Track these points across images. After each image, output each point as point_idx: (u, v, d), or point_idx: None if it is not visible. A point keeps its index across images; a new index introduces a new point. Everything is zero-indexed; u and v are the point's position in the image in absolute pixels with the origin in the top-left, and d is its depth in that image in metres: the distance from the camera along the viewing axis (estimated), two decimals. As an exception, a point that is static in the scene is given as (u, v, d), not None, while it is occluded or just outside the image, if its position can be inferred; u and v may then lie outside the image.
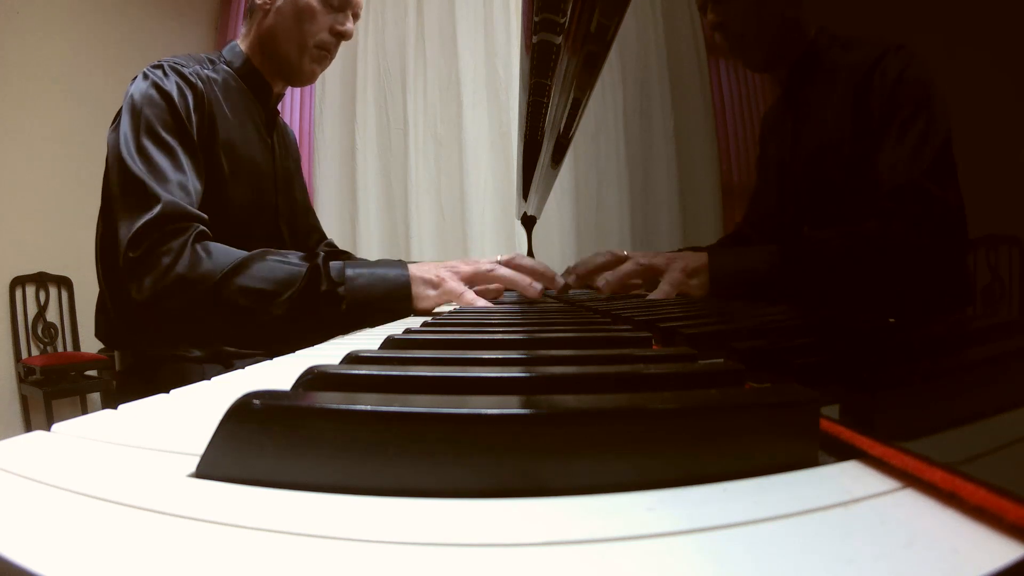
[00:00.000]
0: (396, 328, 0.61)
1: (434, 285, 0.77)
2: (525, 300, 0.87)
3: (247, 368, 0.36)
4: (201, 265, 0.70)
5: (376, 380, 0.21)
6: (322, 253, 0.75)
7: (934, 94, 0.20)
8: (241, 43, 0.93)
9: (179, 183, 0.74)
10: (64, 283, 2.58)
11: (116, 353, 0.91)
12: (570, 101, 0.86)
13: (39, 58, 2.46)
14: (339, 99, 2.79)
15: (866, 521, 0.12)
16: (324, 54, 0.92)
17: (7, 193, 2.37)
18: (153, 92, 0.77)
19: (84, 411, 2.49)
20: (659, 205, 0.60)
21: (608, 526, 0.12)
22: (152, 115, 0.76)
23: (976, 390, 0.17)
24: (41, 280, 2.51)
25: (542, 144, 1.11)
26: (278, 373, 0.35)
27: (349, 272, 0.74)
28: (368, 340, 0.52)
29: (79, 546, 0.11)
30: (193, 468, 0.16)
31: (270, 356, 0.39)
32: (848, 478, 0.15)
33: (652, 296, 0.61)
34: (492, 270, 0.80)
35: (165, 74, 0.79)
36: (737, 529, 0.12)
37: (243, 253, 0.72)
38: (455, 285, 0.77)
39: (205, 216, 0.75)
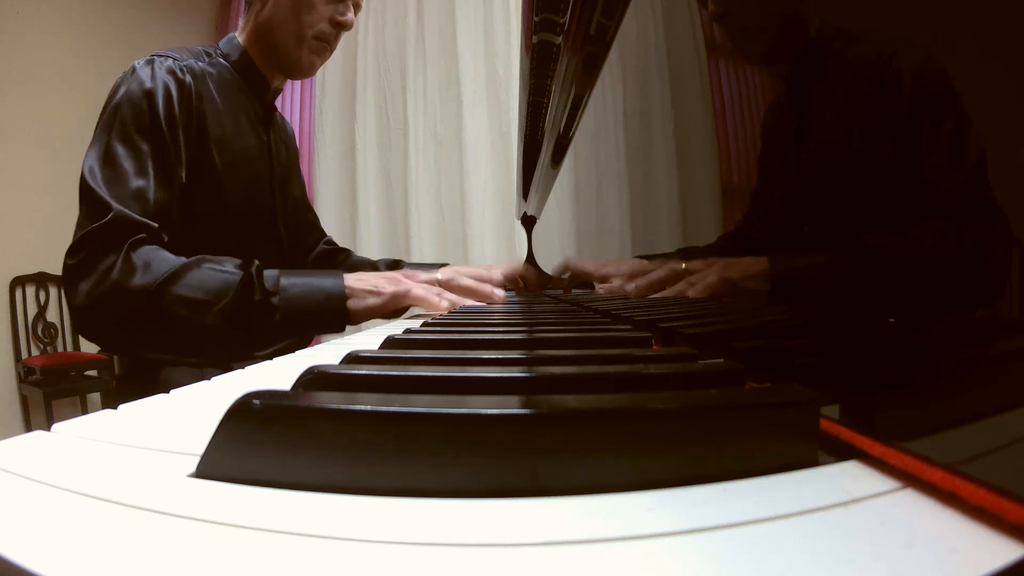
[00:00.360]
0: (396, 328, 0.61)
1: (375, 293, 0.75)
2: (525, 300, 0.87)
3: (247, 368, 0.36)
4: (135, 274, 0.68)
5: (376, 380, 0.21)
6: (257, 262, 0.73)
7: (956, 91, 0.20)
8: (239, 36, 0.91)
9: (136, 191, 0.73)
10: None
11: (115, 356, 0.90)
12: (570, 101, 0.86)
13: (39, 58, 2.46)
14: (339, 99, 2.79)
15: (866, 521, 0.12)
16: (323, 46, 0.90)
17: (7, 193, 2.37)
18: (135, 89, 0.76)
19: (84, 411, 2.49)
20: (659, 205, 0.60)
21: (608, 526, 0.12)
22: (128, 115, 0.74)
23: (976, 390, 0.17)
24: (41, 280, 2.51)
25: (542, 144, 1.11)
26: (278, 373, 0.35)
27: (284, 281, 0.72)
28: (368, 340, 0.52)
29: (79, 546, 0.11)
30: (193, 468, 0.16)
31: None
32: (848, 478, 0.15)
33: (693, 292, 0.60)
34: (408, 292, 0.78)
35: (153, 70, 0.78)
36: (737, 529, 0.12)
37: (180, 261, 0.71)
38: (404, 284, 0.75)
39: (155, 225, 0.73)
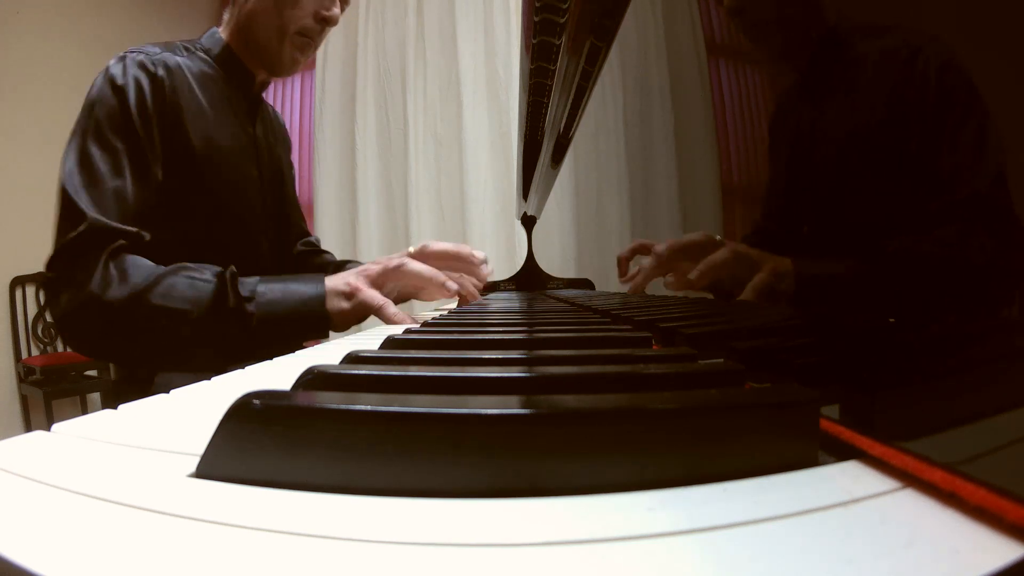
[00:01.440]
0: (396, 328, 0.61)
1: (347, 296, 0.71)
2: (524, 300, 0.87)
3: (247, 368, 0.36)
4: (112, 285, 0.67)
5: (376, 380, 0.21)
6: (232, 268, 0.71)
7: (980, 92, 0.20)
8: (222, 31, 0.89)
9: (115, 191, 0.71)
10: (64, 283, 2.57)
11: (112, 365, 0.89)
12: (570, 101, 0.86)
13: (39, 58, 2.46)
14: (339, 99, 2.79)
15: (866, 521, 0.12)
16: (307, 42, 0.86)
17: (7, 193, 2.37)
18: (107, 89, 0.74)
19: (84, 411, 2.49)
20: (659, 205, 0.60)
21: (608, 526, 0.12)
22: (101, 114, 0.73)
23: (976, 390, 0.17)
24: (41, 280, 2.51)
25: (542, 144, 1.11)
26: (278, 373, 0.35)
27: (261, 287, 0.69)
28: (368, 340, 0.52)
29: (79, 546, 0.11)
30: (193, 468, 0.16)
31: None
32: (848, 478, 0.15)
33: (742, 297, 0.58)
34: (401, 265, 0.74)
35: (124, 66, 0.76)
36: (737, 529, 0.12)
37: (158, 270, 0.69)
38: (370, 294, 0.71)
39: (132, 229, 0.72)
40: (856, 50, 0.26)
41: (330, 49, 2.78)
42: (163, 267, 0.69)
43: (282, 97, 2.90)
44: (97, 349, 0.75)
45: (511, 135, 2.55)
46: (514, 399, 0.17)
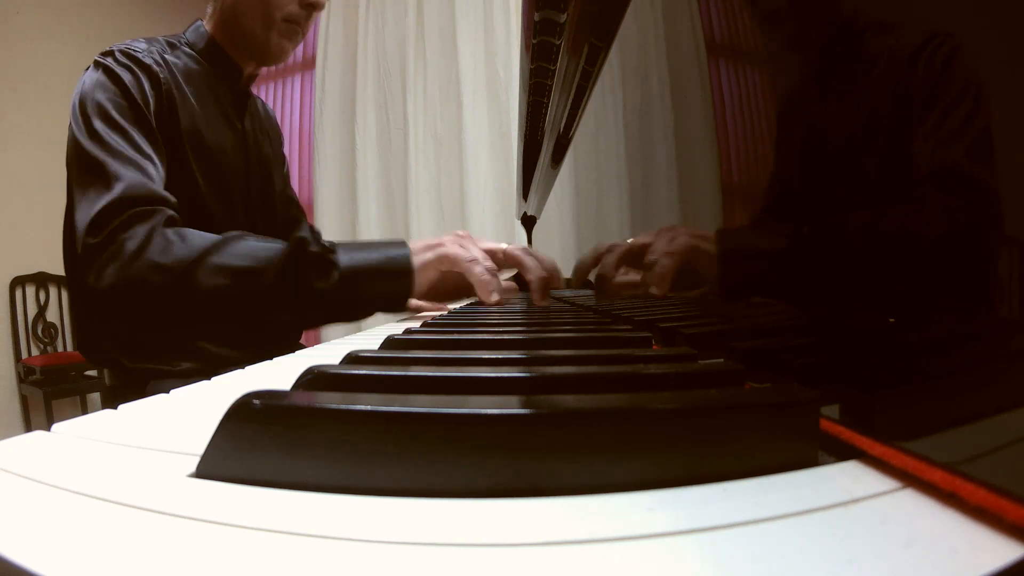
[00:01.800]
0: (396, 328, 0.61)
1: (430, 247, 0.68)
2: (524, 300, 0.86)
3: (247, 368, 0.36)
4: (173, 249, 0.62)
5: (376, 380, 0.21)
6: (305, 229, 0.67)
7: (980, 83, 0.20)
8: (206, 23, 0.87)
9: (136, 163, 0.68)
10: (64, 283, 2.58)
11: (106, 368, 0.85)
12: (570, 101, 0.86)
13: (39, 58, 2.46)
14: (339, 99, 2.79)
15: (866, 521, 0.12)
16: (294, 28, 0.84)
17: (7, 193, 2.37)
18: (104, 79, 0.73)
19: (84, 411, 2.49)
20: (659, 205, 0.60)
21: (608, 526, 0.12)
22: (105, 99, 0.71)
23: (976, 390, 0.17)
24: (41, 280, 2.51)
25: (542, 144, 1.11)
26: (278, 373, 0.35)
27: (341, 246, 0.67)
28: (368, 340, 0.52)
29: (79, 546, 0.11)
30: (193, 468, 0.16)
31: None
32: (848, 478, 0.15)
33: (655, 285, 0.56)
34: (507, 251, 0.72)
35: (116, 60, 0.74)
36: (737, 529, 0.12)
37: (217, 236, 0.65)
38: (457, 249, 0.68)
39: (173, 199, 0.69)
40: (869, 46, 0.26)
41: (330, 49, 2.78)
42: (219, 236, 0.65)
43: (282, 97, 2.90)
44: (143, 325, 0.69)
45: (511, 135, 2.55)
46: (514, 399, 0.17)
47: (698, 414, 0.15)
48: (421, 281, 0.67)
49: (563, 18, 0.66)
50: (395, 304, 0.69)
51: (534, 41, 0.74)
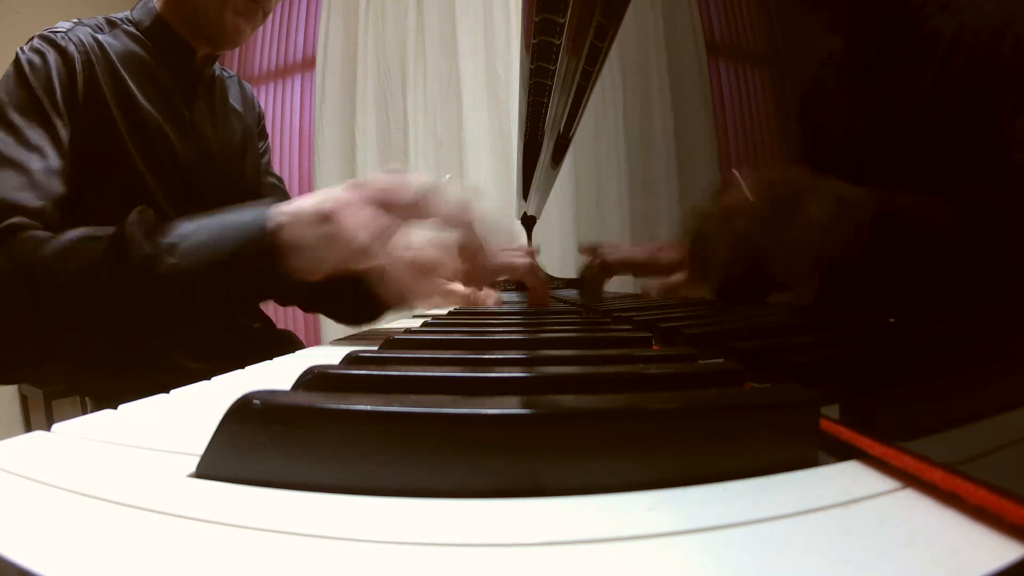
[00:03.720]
0: (396, 328, 0.61)
1: (321, 219, 0.47)
2: (525, 300, 0.86)
3: (247, 368, 0.36)
4: (3, 263, 0.52)
5: (376, 380, 0.21)
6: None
7: None
8: (155, 0, 0.78)
9: (11, 163, 0.61)
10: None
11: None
12: (570, 101, 0.86)
13: (39, 58, 2.46)
14: (339, 99, 2.79)
15: (866, 521, 0.12)
16: (251, 7, 0.75)
17: (7, 193, 2.37)
18: (13, 70, 0.67)
19: (84, 411, 2.48)
20: (659, 205, 0.60)
21: (608, 526, 0.12)
22: (5, 93, 0.66)
23: (976, 390, 0.17)
24: None
25: (542, 144, 1.11)
26: (278, 373, 0.35)
27: (183, 229, 0.49)
28: (368, 340, 0.52)
29: (79, 546, 0.11)
30: (193, 468, 0.16)
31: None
32: (848, 478, 0.15)
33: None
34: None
35: (33, 48, 0.69)
36: (737, 529, 0.12)
37: (48, 236, 0.53)
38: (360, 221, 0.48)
39: (35, 204, 0.60)
40: (929, 26, 0.23)
41: (330, 49, 2.78)
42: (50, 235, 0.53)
43: (282, 97, 2.90)
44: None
45: (511, 135, 2.55)
46: (514, 399, 0.17)
47: (698, 414, 0.15)
48: (298, 260, 0.48)
49: (563, 18, 0.66)
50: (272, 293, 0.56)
51: (534, 41, 0.74)
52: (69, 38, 0.71)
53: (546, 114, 0.96)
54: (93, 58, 0.71)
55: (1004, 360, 0.19)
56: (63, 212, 0.64)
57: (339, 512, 0.13)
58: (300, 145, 2.88)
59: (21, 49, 0.70)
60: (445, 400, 0.16)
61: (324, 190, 0.50)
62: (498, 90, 2.61)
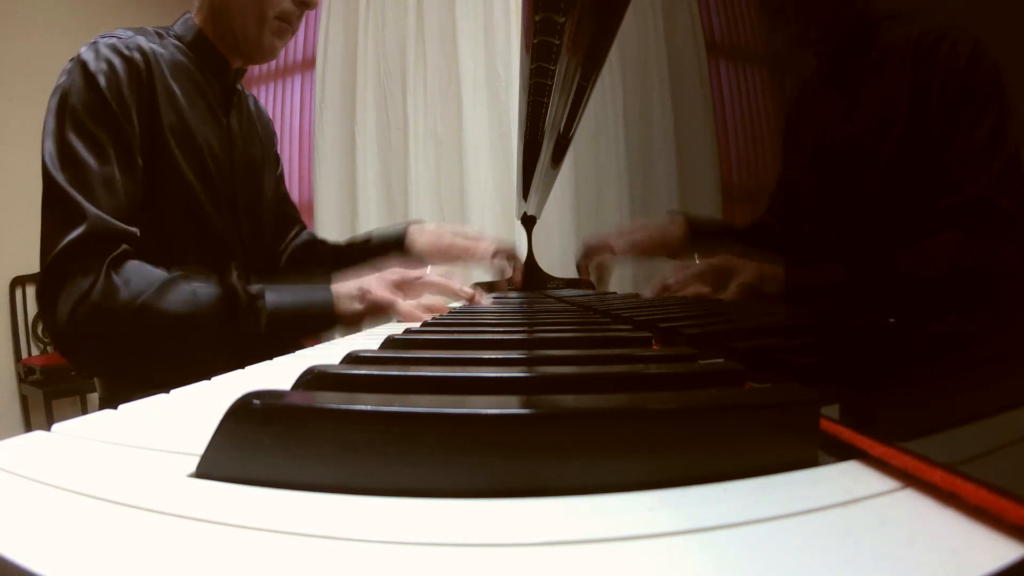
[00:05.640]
0: (396, 328, 0.61)
1: (359, 298, 0.75)
2: (524, 300, 0.87)
3: (247, 368, 0.36)
4: (117, 294, 0.65)
5: (376, 380, 0.21)
6: (235, 273, 0.71)
7: (1006, 85, 0.19)
8: (195, 16, 0.84)
9: (105, 181, 0.69)
10: (64, 283, 2.57)
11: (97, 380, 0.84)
12: (570, 101, 0.86)
13: (38, 58, 2.46)
14: (339, 99, 2.79)
15: (866, 521, 0.12)
16: (285, 27, 0.83)
17: (7, 193, 2.37)
18: (79, 77, 0.70)
19: (84, 411, 2.48)
20: (659, 205, 0.60)
21: (608, 526, 0.12)
22: (78, 103, 0.69)
23: (976, 390, 0.17)
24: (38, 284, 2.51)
25: (542, 144, 1.10)
26: (278, 373, 0.35)
27: (270, 295, 0.72)
28: (368, 340, 0.52)
29: (79, 546, 0.11)
30: (193, 468, 0.16)
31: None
32: (848, 478, 0.15)
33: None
34: (420, 278, 0.79)
35: (97, 52, 0.72)
36: (737, 529, 0.12)
37: (162, 277, 0.68)
38: (382, 293, 0.75)
39: (133, 230, 0.70)
40: (884, 37, 0.25)
41: (330, 49, 2.78)
42: (164, 274, 0.69)
43: (282, 97, 2.90)
44: (97, 365, 0.73)
45: (511, 135, 2.55)
46: (514, 399, 0.17)
47: (698, 414, 0.15)
48: (346, 322, 0.76)
49: (563, 18, 0.66)
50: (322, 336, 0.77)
51: (534, 41, 0.73)
52: (132, 47, 0.75)
53: (546, 114, 0.96)
54: (151, 67, 0.76)
55: (1004, 360, 0.19)
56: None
57: (339, 512, 0.13)
58: (300, 145, 2.88)
59: (86, 57, 0.72)
60: (445, 400, 0.16)
61: (357, 280, 0.78)
62: (498, 90, 2.61)
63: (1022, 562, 0.10)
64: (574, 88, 0.80)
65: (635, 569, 0.11)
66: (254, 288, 0.71)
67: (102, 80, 0.71)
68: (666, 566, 0.11)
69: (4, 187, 2.36)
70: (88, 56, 0.72)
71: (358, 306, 0.74)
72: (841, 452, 0.16)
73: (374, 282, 0.76)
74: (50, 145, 0.69)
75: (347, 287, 0.75)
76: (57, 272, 0.66)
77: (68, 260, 0.65)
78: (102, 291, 0.65)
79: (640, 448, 0.15)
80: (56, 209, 0.67)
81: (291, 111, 2.87)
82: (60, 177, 0.67)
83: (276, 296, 0.72)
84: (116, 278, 0.66)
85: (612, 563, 0.11)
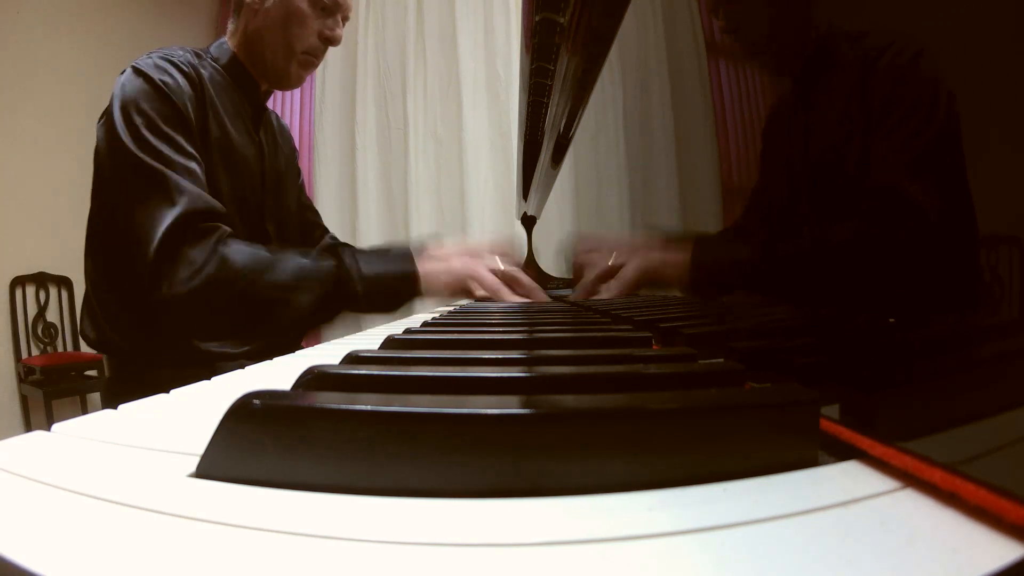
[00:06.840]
0: (396, 328, 0.61)
1: (445, 271, 0.83)
2: (524, 300, 0.87)
3: (247, 368, 0.36)
4: (229, 266, 0.72)
5: (376, 380, 0.21)
6: (329, 242, 0.78)
7: (937, 89, 0.20)
8: (229, 40, 0.91)
9: (191, 172, 0.75)
10: (64, 283, 2.58)
11: (105, 359, 0.90)
12: (570, 101, 0.86)
13: (40, 57, 2.46)
14: (339, 99, 2.79)
15: (866, 521, 0.12)
16: (311, 60, 0.91)
17: (7, 193, 2.37)
18: (146, 86, 0.76)
19: (84, 411, 2.48)
20: (659, 205, 0.60)
21: (608, 526, 0.12)
22: (150, 109, 0.75)
23: (976, 390, 0.17)
24: (41, 280, 2.51)
25: (542, 144, 1.11)
26: (278, 373, 0.35)
27: (361, 259, 0.81)
28: (368, 340, 0.52)
29: (79, 546, 0.11)
30: (193, 468, 0.16)
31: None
32: (848, 478, 0.15)
33: (616, 289, 0.62)
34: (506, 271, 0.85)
35: (157, 66, 0.78)
36: (737, 529, 0.12)
37: (268, 251, 0.76)
38: (471, 267, 0.83)
39: (223, 208, 0.77)
40: (843, 56, 0.26)
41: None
42: (266, 249, 0.76)
43: (282, 97, 2.90)
44: (213, 326, 0.80)
45: (511, 135, 2.55)
46: (514, 399, 0.17)
47: (698, 414, 0.15)
48: (433, 294, 0.84)
49: (563, 18, 0.66)
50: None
51: (534, 41, 0.74)
52: (185, 63, 0.82)
53: (546, 114, 0.96)
54: (203, 83, 0.83)
55: (1004, 360, 0.19)
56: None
57: (339, 512, 0.13)
58: (300, 145, 2.87)
59: (146, 69, 0.78)
60: (445, 400, 0.16)
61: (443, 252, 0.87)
62: (498, 90, 2.61)
63: (1022, 562, 0.10)
64: (574, 88, 0.80)
65: (635, 569, 0.11)
66: (349, 262, 0.79)
67: (171, 89, 0.77)
68: (666, 566, 0.11)
69: (4, 188, 2.36)
70: (149, 68, 0.78)
71: (444, 279, 0.82)
72: (841, 452, 0.16)
73: (459, 258, 0.85)
74: (128, 143, 0.74)
75: (434, 262, 0.83)
76: (169, 246, 0.71)
77: (177, 234, 0.71)
78: (217, 264, 0.72)
79: (640, 448, 0.15)
80: (147, 193, 0.73)
81: (291, 111, 2.87)
82: (145, 162, 0.73)
83: (368, 266, 0.80)
84: (227, 251, 0.73)
85: (612, 563, 0.11)
